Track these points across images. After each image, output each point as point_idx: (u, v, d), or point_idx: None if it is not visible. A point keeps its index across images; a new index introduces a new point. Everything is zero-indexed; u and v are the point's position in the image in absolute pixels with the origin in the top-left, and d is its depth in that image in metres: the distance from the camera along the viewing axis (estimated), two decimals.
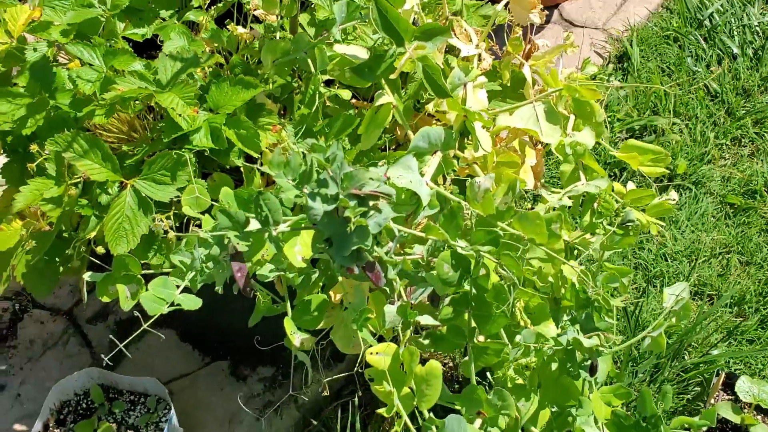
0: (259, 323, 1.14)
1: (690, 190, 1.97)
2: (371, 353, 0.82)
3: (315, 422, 1.52)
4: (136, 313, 0.95)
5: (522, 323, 1.05)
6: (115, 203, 1.04)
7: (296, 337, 1.03)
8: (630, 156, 1.15)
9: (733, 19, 2.39)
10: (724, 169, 2.03)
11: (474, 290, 0.88)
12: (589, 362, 0.96)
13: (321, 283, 1.08)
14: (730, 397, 1.45)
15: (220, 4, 1.30)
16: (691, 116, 2.14)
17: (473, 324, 0.88)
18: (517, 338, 0.98)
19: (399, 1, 0.95)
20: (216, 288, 1.13)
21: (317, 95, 1.11)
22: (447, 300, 0.87)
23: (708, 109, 2.16)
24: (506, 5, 1.16)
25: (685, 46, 2.34)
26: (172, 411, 1.37)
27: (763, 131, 2.12)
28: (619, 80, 2.21)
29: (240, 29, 1.26)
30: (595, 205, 1.03)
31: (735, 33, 2.36)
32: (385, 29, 0.93)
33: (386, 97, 0.99)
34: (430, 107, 1.07)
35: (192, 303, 0.93)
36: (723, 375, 1.46)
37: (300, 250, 0.91)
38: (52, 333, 1.65)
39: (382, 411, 0.81)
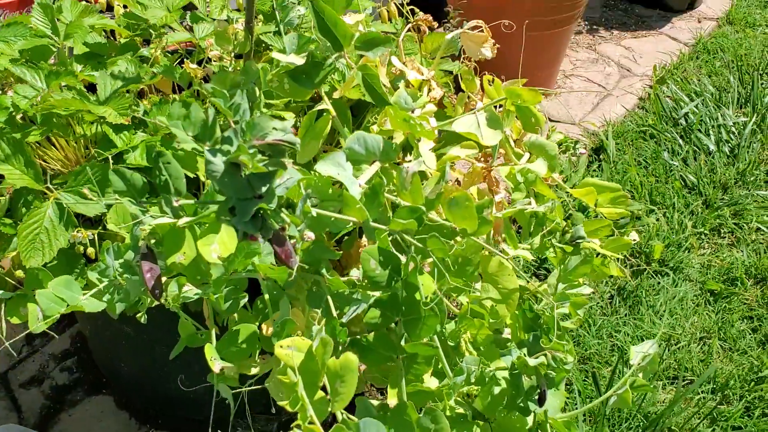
0: (204, 392, 1.04)
1: (668, 275, 1.90)
2: (280, 346, 0.73)
3: None
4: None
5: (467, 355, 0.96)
6: (33, 213, 0.98)
7: (216, 364, 0.93)
8: (587, 192, 1.10)
9: (708, 119, 2.42)
10: (703, 258, 1.97)
11: (404, 292, 0.80)
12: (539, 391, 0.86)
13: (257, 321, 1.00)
14: None
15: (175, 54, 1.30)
16: (668, 205, 2.11)
17: (403, 331, 0.80)
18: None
19: (339, 6, 0.93)
20: (138, 315, 1.05)
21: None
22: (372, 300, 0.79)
23: (685, 200, 2.13)
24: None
25: (662, 142, 2.34)
26: None
27: (742, 222, 2.08)
28: (596, 171, 2.20)
29: (192, 66, 1.25)
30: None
31: (711, 132, 2.38)
32: (322, 32, 0.91)
33: (324, 105, 0.96)
34: (374, 128, 1.03)
35: (95, 306, 0.85)
36: None
37: (217, 248, 0.83)
38: None
39: (285, 403, 0.70)
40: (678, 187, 2.16)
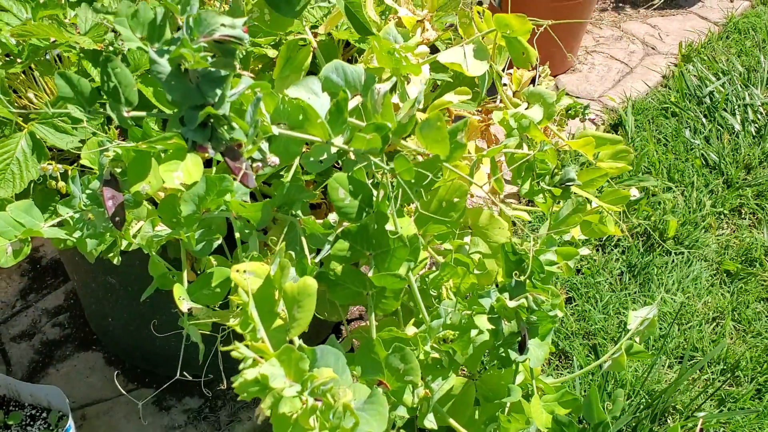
0: (192, 351, 1.00)
1: (682, 254, 1.82)
2: (237, 270, 0.68)
3: None
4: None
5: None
6: (5, 143, 0.95)
7: (184, 303, 0.89)
8: (585, 143, 1.04)
9: (734, 98, 2.32)
10: (721, 238, 1.89)
11: (376, 225, 0.75)
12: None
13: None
14: None
15: None
16: (687, 184, 2.02)
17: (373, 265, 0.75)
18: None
19: None
20: (111, 256, 1.01)
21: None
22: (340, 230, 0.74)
23: (705, 179, 2.05)
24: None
25: (684, 120, 2.26)
26: (70, 422, 1.21)
27: (764, 203, 1.99)
28: None
29: None
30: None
31: (737, 111, 2.28)
32: None
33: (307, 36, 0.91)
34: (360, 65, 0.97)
35: (54, 233, 0.81)
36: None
37: (180, 175, 0.79)
38: None
39: (234, 324, 0.66)
40: (698, 166, 2.08)
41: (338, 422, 0.54)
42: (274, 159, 0.72)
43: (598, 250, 1.82)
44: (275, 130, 0.68)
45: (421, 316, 0.89)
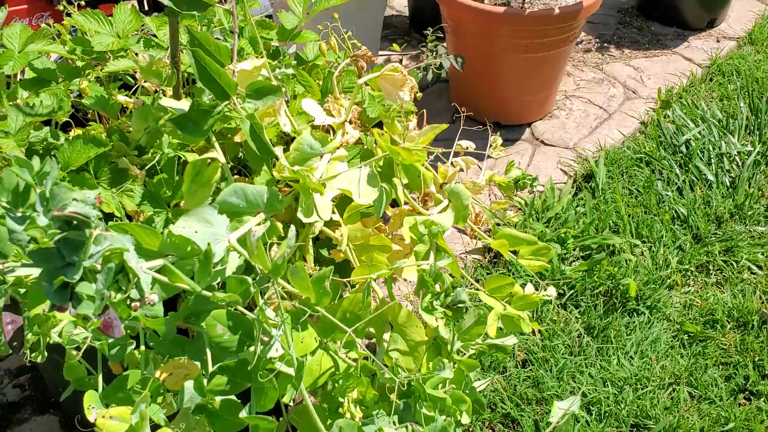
0: None
1: (643, 314, 1.82)
2: (102, 416, 0.71)
3: None
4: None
5: (348, 416, 0.93)
6: None
7: (93, 413, 0.92)
8: (500, 244, 1.05)
9: (710, 147, 2.32)
10: (686, 296, 1.89)
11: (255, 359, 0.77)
12: None
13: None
14: None
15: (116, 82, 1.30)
16: (655, 239, 2.03)
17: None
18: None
19: (225, 55, 0.91)
20: (34, 355, 1.05)
21: (174, 159, 1.07)
22: (216, 367, 0.76)
23: (673, 234, 2.05)
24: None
25: (657, 170, 2.26)
26: None
27: (732, 260, 1.98)
28: (582, 200, 2.13)
29: (122, 97, 1.24)
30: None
31: (712, 161, 2.28)
32: (204, 82, 0.89)
33: (214, 153, 0.94)
34: (274, 173, 1.00)
35: None
36: None
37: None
38: None
39: None
40: (667, 220, 2.08)
41: None
42: (153, 297, 0.75)
43: (558, 309, 1.83)
44: (145, 277, 0.70)
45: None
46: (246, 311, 0.79)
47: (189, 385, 0.88)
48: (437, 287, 0.94)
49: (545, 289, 1.10)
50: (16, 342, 0.81)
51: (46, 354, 1.05)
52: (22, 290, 0.84)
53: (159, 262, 0.77)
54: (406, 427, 0.79)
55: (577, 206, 2.10)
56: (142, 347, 0.92)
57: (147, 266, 0.75)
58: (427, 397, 0.81)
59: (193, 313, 0.95)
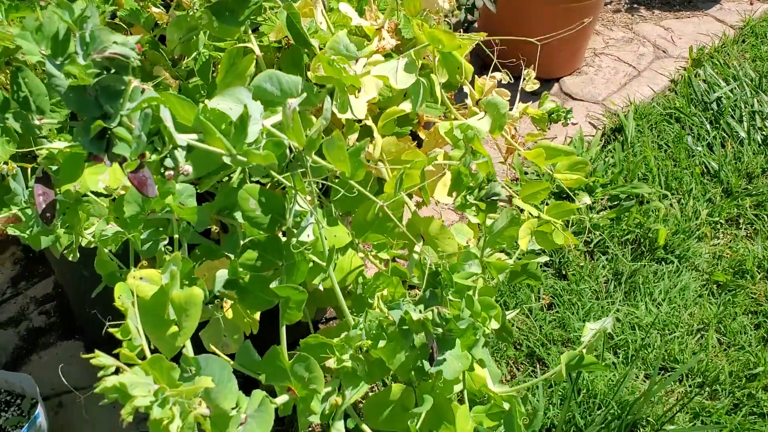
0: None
1: (672, 263, 1.80)
2: (133, 277, 0.71)
3: None
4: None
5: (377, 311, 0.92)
6: None
7: (127, 302, 0.92)
8: (537, 154, 1.04)
9: (742, 105, 2.28)
10: (715, 248, 1.86)
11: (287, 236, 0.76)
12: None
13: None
14: None
15: None
16: (684, 191, 1.99)
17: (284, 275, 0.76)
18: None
19: None
20: (67, 252, 1.04)
21: (209, 63, 1.06)
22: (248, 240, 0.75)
23: (704, 187, 2.02)
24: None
25: (687, 126, 2.22)
26: (39, 410, 1.25)
27: (762, 213, 1.95)
28: (611, 152, 2.10)
29: (155, 9, 1.23)
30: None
31: (744, 118, 2.24)
32: None
33: (249, 45, 0.92)
34: (309, 74, 0.99)
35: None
36: None
37: (106, 178, 0.81)
38: None
39: (115, 331, 0.68)
40: (698, 173, 2.04)
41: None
42: (187, 168, 0.74)
43: (585, 256, 1.81)
44: (180, 141, 0.69)
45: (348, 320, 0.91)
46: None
47: (222, 272, 0.87)
48: (471, 184, 0.92)
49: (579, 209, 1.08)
50: (49, 213, 0.81)
51: (78, 254, 1.05)
52: (54, 167, 0.84)
53: (193, 136, 0.76)
54: (432, 310, 0.77)
55: (605, 157, 2.07)
56: (175, 236, 0.91)
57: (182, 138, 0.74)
58: (454, 285, 0.80)
59: (227, 205, 0.94)
